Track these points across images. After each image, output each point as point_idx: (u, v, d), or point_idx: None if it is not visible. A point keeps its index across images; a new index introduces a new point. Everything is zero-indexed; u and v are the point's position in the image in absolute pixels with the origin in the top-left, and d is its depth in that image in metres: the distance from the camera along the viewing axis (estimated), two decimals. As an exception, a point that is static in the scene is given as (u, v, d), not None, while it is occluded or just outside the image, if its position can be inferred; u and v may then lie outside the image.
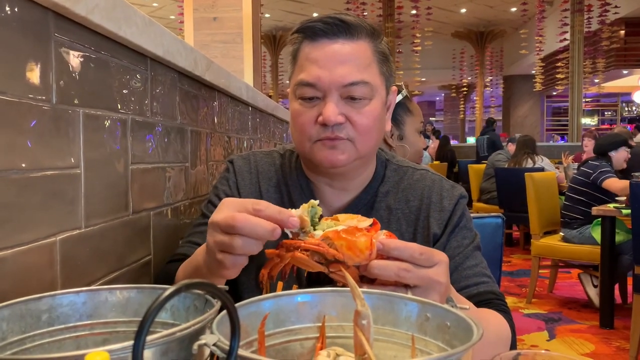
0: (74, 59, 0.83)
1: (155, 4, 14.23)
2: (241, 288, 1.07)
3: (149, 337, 0.47)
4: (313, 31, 0.99)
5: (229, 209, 0.75)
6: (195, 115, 1.41)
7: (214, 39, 4.42)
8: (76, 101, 0.83)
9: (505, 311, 1.00)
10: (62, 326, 0.68)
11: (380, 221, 1.05)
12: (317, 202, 0.78)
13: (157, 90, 1.15)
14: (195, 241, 1.05)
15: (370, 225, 0.76)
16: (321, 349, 0.65)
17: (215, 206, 1.03)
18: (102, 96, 0.92)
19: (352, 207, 1.07)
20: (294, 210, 0.76)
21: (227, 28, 4.40)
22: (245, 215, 0.72)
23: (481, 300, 1.00)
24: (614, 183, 4.14)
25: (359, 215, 0.79)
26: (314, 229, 0.75)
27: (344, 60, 0.97)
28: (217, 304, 0.60)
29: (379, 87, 1.01)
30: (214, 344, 0.49)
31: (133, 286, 0.71)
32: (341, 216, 0.79)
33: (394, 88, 1.10)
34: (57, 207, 0.79)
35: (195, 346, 0.50)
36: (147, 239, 1.11)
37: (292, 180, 1.11)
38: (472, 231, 1.10)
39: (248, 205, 0.74)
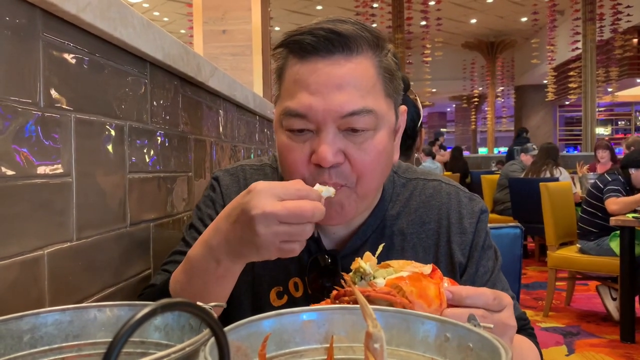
0: (65, 60, 0.78)
1: (166, 19, 14.34)
2: (233, 313, 0.96)
3: (128, 365, 0.41)
4: (301, 46, 0.81)
5: (272, 197, 0.68)
6: (199, 123, 1.36)
7: (224, 51, 4.41)
8: (67, 105, 0.78)
9: (532, 334, 0.93)
10: (46, 347, 0.62)
11: (393, 249, 0.96)
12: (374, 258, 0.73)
13: (158, 96, 1.10)
14: (172, 271, 0.87)
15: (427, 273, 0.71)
16: (329, 373, 0.59)
17: (199, 232, 0.92)
18: (97, 101, 0.87)
19: (359, 235, 0.94)
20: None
21: (237, 40, 4.39)
22: (313, 204, 0.68)
23: None
24: (610, 204, 3.99)
25: (414, 262, 0.73)
26: (373, 277, 0.69)
27: (340, 83, 0.79)
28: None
29: (385, 113, 0.84)
30: (205, 372, 0.43)
31: (124, 303, 0.65)
32: (394, 263, 0.72)
33: (404, 108, 0.93)
34: (46, 218, 0.73)
35: (184, 374, 0.44)
36: (147, 252, 1.05)
37: None
38: (493, 247, 1.01)
39: (291, 192, 0.69)
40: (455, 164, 9.52)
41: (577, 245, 4.30)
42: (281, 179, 1.01)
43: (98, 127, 0.86)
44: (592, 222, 4.17)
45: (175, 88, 1.19)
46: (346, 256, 0.93)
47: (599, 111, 14.74)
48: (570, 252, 4.27)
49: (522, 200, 5.83)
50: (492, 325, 0.57)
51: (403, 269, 0.69)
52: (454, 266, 0.94)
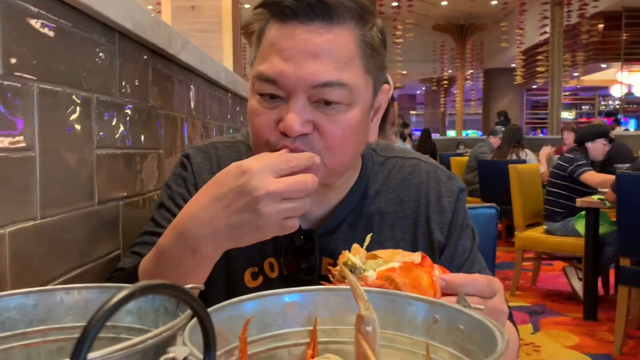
0: (27, 25, 0.72)
1: (132, -6, 13.95)
2: (206, 295, 0.95)
3: (100, 352, 0.38)
4: (280, 9, 0.78)
5: (270, 175, 0.67)
6: (169, 98, 1.30)
7: (193, 27, 4.29)
8: (29, 74, 0.72)
9: (509, 314, 0.92)
10: (9, 333, 0.58)
11: (371, 228, 0.93)
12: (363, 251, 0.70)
13: (127, 68, 1.04)
14: (142, 253, 0.83)
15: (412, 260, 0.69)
16: (312, 356, 0.56)
17: (170, 212, 0.89)
18: (62, 70, 0.81)
19: (337, 215, 0.91)
20: None
21: (206, 17, 4.28)
22: (310, 176, 0.69)
23: None
24: (591, 177, 4.10)
25: (401, 250, 0.70)
26: (364, 270, 0.66)
27: (316, 52, 0.76)
28: (191, 307, 0.51)
29: (361, 90, 0.80)
30: (185, 358, 0.40)
31: (94, 285, 0.61)
32: (381, 252, 0.69)
33: (386, 87, 0.88)
34: (6, 195, 0.68)
35: (161, 360, 0.41)
36: (116, 231, 1.00)
37: None
38: (470, 226, 1.00)
39: (283, 166, 0.69)
40: (424, 146, 9.59)
41: (544, 226, 4.39)
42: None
43: (63, 98, 0.81)
44: (557, 202, 4.25)
45: (145, 60, 1.13)
46: (323, 235, 0.91)
47: (564, 95, 15.02)
48: (537, 233, 4.36)
49: (491, 182, 5.90)
50: (482, 307, 0.55)
51: (392, 259, 0.66)
52: (433, 245, 0.93)
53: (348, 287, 0.56)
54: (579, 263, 4.23)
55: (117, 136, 1.00)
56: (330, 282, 0.69)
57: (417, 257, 0.68)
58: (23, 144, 0.71)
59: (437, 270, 0.69)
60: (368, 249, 0.96)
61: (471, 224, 1.01)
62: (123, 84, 1.02)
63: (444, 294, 0.66)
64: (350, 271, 0.66)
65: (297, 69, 0.76)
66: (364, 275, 0.64)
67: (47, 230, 0.77)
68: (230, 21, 4.33)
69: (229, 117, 2.03)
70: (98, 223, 0.93)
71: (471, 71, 18.65)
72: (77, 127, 0.85)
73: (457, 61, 17.66)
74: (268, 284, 0.92)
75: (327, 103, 0.77)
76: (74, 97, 0.84)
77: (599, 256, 3.87)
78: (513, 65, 15.07)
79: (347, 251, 0.67)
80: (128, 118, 1.05)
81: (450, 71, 19.02)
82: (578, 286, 4.29)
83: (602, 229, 3.89)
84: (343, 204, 0.91)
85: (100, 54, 0.93)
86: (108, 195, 0.96)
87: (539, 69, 13.37)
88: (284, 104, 0.78)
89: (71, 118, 0.83)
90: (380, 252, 0.68)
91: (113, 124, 0.98)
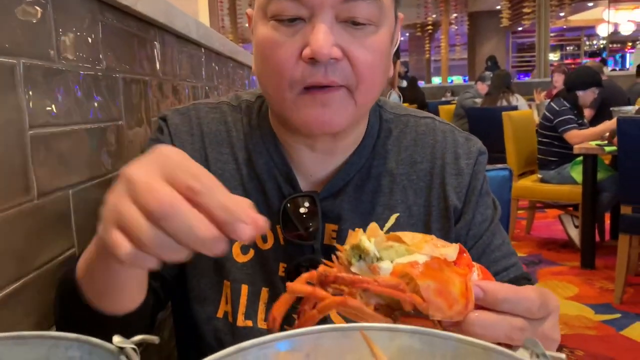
0: None
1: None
2: (191, 294, 0.82)
3: None
4: None
5: (154, 167, 0.45)
6: (128, 58, 1.10)
7: (164, -22, 4.00)
8: None
9: None
10: None
11: (380, 192, 0.82)
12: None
13: (66, 24, 0.84)
14: None
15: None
16: None
17: None
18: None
19: (341, 175, 0.81)
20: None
21: (178, -34, 3.98)
22: (179, 201, 0.42)
23: None
24: (572, 137, 3.89)
25: (435, 238, 0.52)
26: (377, 259, 0.49)
27: None
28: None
29: (388, 9, 0.72)
30: None
31: (6, 336, 0.44)
32: (407, 236, 0.50)
33: (402, 16, 0.80)
34: None
35: None
36: (67, 226, 0.83)
37: (255, 143, 0.82)
38: (490, 194, 0.90)
39: (181, 178, 0.44)
40: (412, 95, 9.35)
41: (538, 175, 4.27)
42: (244, 120, 0.85)
43: (-29, 68, 0.62)
44: (550, 151, 4.12)
45: (91, 14, 0.93)
46: (326, 198, 0.80)
47: (550, 36, 14.72)
48: (531, 182, 4.25)
49: (481, 129, 5.71)
50: (563, 356, 0.39)
51: (419, 247, 0.49)
52: (448, 211, 0.83)
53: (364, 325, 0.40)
54: (575, 210, 4.14)
55: (59, 110, 0.80)
56: (331, 262, 0.52)
57: (452, 250, 0.50)
58: None
59: (476, 272, 0.53)
60: (376, 213, 0.80)
61: (492, 195, 0.90)
62: (62, 43, 0.82)
63: (478, 307, 0.50)
64: (360, 258, 0.49)
65: None
66: (375, 265, 0.48)
67: (-38, 243, 0.59)
68: (204, -31, 4.04)
69: (203, 75, 1.82)
70: (41, 221, 0.75)
71: (455, 15, 18.18)
72: (-3, 104, 0.66)
73: (441, 5, 17.17)
74: (260, 258, 0.81)
75: (357, 24, 0.68)
76: (-12, 65, 0.64)
77: (596, 203, 3.77)
78: (498, 7, 14.65)
79: (360, 230, 0.51)
80: (74, 86, 0.85)
81: (434, 16, 18.52)
82: (574, 234, 4.22)
83: (599, 175, 3.78)
84: (349, 164, 0.81)
85: (25, 7, 0.73)
86: (51, 184, 0.78)
87: (525, 9, 13.01)
88: (307, 26, 0.67)
89: (-13, 93, 0.64)
90: (406, 236, 0.51)
91: (52, 95, 0.78)
